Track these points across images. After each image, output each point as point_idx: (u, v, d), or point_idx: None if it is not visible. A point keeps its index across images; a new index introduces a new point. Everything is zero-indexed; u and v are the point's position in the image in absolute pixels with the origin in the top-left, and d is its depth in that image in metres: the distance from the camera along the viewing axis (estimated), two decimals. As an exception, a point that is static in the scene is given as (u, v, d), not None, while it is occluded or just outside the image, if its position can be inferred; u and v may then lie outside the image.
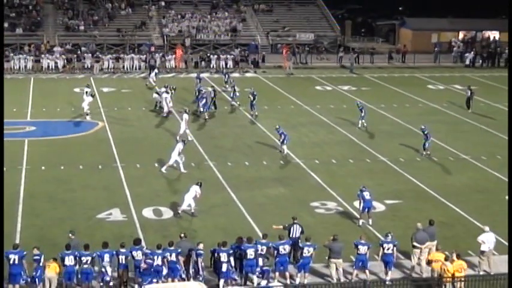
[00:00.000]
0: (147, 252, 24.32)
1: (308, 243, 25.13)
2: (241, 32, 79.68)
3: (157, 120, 47.85)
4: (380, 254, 25.42)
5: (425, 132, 40.34)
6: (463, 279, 23.85)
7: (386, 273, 25.30)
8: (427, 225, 26.71)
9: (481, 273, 25.60)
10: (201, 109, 48.06)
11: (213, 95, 50.87)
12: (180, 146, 36.86)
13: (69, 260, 23.71)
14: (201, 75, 58.65)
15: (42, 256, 23.76)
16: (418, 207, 32.52)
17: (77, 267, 23.86)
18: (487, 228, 26.49)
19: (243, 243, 24.87)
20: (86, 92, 49.03)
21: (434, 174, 37.74)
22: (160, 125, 46.72)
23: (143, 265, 23.95)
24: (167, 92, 49.21)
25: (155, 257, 24.19)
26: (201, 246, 24.64)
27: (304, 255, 24.98)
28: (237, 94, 51.82)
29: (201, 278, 24.27)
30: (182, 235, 25.52)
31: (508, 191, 32.09)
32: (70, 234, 25.34)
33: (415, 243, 25.91)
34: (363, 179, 35.91)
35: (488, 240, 26.12)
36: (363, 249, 25.17)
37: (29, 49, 69.26)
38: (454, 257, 24.33)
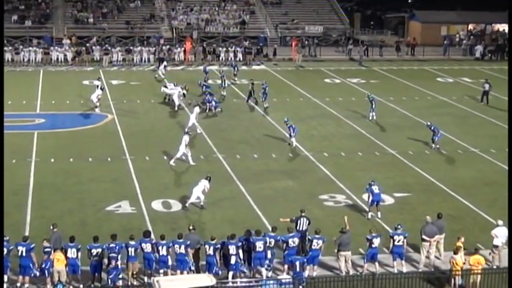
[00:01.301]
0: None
1: (317, 235, 25.09)
2: (250, 24, 79.59)
3: (166, 113, 47.86)
4: (390, 246, 25.38)
5: (432, 128, 40.30)
6: (475, 272, 23.76)
7: (397, 265, 25.26)
8: (435, 218, 26.65)
9: (493, 267, 25.50)
10: (213, 103, 47.88)
11: (250, 88, 50.95)
12: (186, 138, 36.84)
13: (72, 253, 23.75)
14: (208, 68, 58.70)
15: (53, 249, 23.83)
16: (427, 200, 32.47)
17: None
18: (500, 222, 26.33)
19: (251, 236, 24.86)
20: (98, 85, 49.09)
21: (443, 167, 37.66)
22: (169, 118, 46.72)
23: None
24: (181, 88, 49.10)
25: (160, 247, 24.23)
26: (215, 240, 24.59)
27: (313, 247, 24.95)
28: (225, 85, 51.72)
29: (220, 272, 24.24)
30: (191, 227, 25.51)
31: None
32: (52, 227, 25.30)
33: (424, 237, 25.86)
34: (371, 171, 35.88)
35: (501, 234, 25.98)
36: (376, 241, 25.11)
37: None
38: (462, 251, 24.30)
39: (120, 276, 23.84)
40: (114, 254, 23.74)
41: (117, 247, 23.99)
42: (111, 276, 23.53)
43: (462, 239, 25.12)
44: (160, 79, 58.20)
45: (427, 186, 34.54)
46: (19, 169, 35.52)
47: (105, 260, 24.12)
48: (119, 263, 23.78)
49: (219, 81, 53.44)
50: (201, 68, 59.21)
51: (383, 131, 44.60)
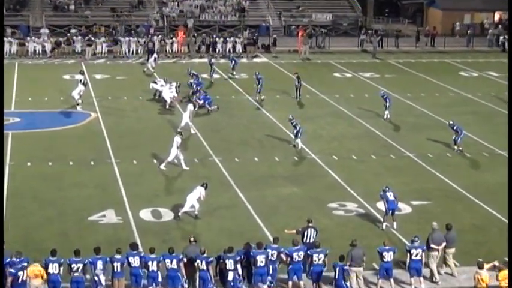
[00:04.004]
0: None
1: (318, 249, 25.02)
2: (250, 12, 79.59)
3: (156, 111, 47.87)
4: (407, 261, 25.38)
5: (455, 128, 40.29)
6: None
7: (415, 282, 25.25)
8: (444, 230, 26.54)
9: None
10: (200, 101, 47.62)
11: (296, 83, 51.25)
12: (178, 140, 36.79)
13: (54, 268, 23.70)
14: (213, 60, 59.02)
15: (25, 263, 23.71)
16: (448, 209, 32.45)
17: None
18: None
19: (252, 249, 24.85)
20: (80, 80, 49.10)
21: (466, 172, 37.69)
22: (160, 117, 46.73)
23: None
24: (171, 83, 48.97)
25: (149, 262, 24.23)
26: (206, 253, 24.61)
27: (314, 263, 24.89)
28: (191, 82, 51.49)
29: None
30: (192, 239, 25.46)
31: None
32: None
33: (432, 245, 25.87)
34: (386, 177, 35.91)
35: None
36: (388, 255, 25.10)
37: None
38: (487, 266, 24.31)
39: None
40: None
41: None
42: None
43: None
44: (149, 73, 58.28)
45: (449, 193, 34.55)
46: (-8, 174, 35.60)
47: (87, 276, 24.09)
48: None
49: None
50: (198, 60, 59.16)
51: (399, 131, 44.61)
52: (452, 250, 26.34)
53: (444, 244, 26.05)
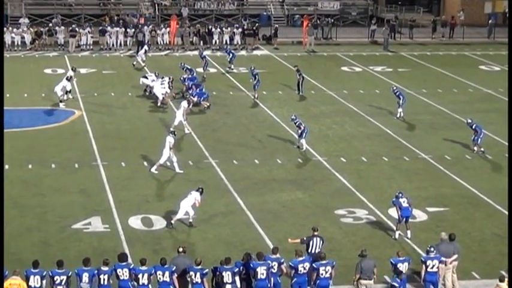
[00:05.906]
0: None
1: (323, 261, 25.00)
2: (250, 0, 79.59)
3: (146, 109, 47.87)
4: (422, 273, 25.40)
5: (474, 127, 40.27)
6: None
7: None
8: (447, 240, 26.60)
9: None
10: (194, 98, 47.54)
11: (298, 76, 51.42)
12: (170, 140, 36.76)
13: (35, 281, 23.72)
14: (205, 53, 58.97)
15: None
16: (468, 216, 32.50)
17: None
18: None
19: (252, 260, 24.85)
20: (70, 76, 48.92)
21: (487, 175, 37.69)
22: (150, 115, 46.74)
23: None
24: (168, 82, 48.95)
25: (140, 275, 24.24)
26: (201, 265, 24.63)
27: (321, 276, 24.87)
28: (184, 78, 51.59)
29: None
30: (180, 249, 25.48)
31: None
32: None
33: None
34: (399, 181, 35.99)
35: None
36: (403, 267, 25.12)
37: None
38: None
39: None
40: None
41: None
42: None
43: None
44: (139, 67, 58.30)
45: (468, 199, 34.57)
46: (-34, 178, 35.63)
47: None
48: None
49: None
50: (192, 53, 59.18)
51: (414, 130, 44.63)
52: (455, 263, 26.28)
53: (455, 257, 25.99)
